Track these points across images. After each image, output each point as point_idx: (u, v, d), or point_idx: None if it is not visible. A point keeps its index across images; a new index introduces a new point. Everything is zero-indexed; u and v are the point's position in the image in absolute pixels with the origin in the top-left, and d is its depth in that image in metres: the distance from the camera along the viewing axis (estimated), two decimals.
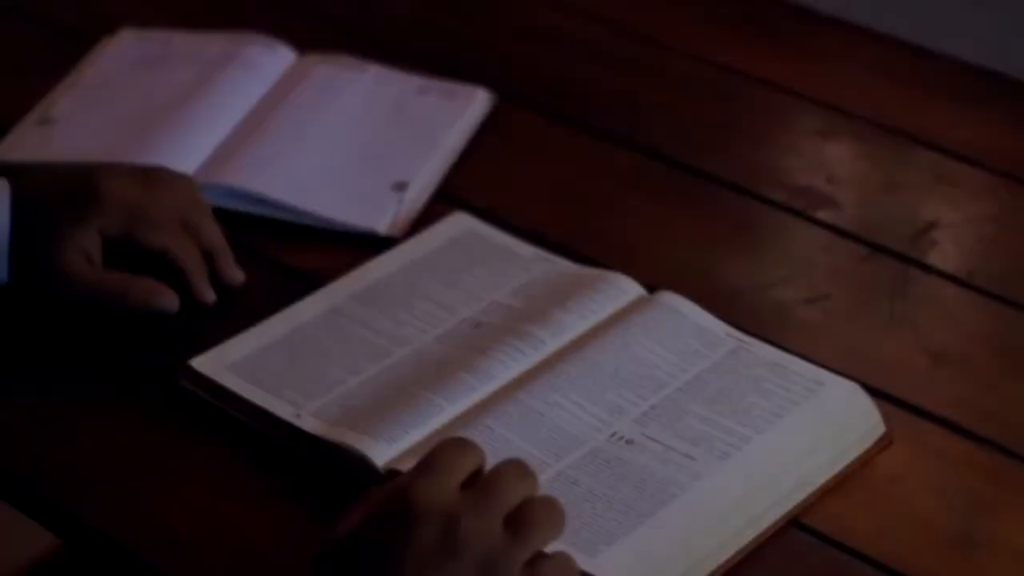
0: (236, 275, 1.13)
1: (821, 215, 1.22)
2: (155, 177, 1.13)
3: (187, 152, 1.24)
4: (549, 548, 0.85)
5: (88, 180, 1.10)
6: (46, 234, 1.08)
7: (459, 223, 1.18)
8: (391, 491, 0.84)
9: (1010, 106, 1.34)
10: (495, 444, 0.97)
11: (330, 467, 0.99)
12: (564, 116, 1.32)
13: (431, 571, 0.81)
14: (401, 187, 1.22)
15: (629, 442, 0.99)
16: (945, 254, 1.18)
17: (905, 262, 1.17)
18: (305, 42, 1.39)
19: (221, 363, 1.05)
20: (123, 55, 1.37)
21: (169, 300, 1.10)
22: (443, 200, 1.22)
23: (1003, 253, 1.19)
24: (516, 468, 0.87)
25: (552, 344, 1.06)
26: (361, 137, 1.28)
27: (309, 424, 1.00)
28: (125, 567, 0.95)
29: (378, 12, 1.45)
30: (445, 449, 0.86)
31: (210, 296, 1.11)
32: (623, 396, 1.02)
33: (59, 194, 1.10)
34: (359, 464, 0.97)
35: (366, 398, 1.02)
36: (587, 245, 1.18)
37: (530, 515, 0.85)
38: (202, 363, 1.05)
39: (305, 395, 1.03)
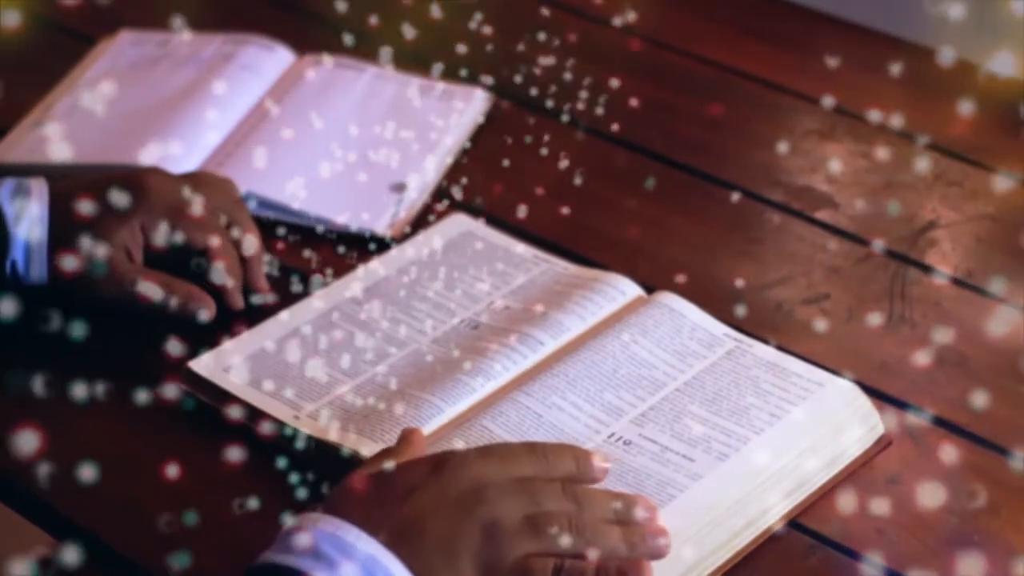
0: (264, 285, 1.13)
1: (820, 215, 1.22)
2: (198, 177, 1.13)
3: (185, 153, 1.24)
4: None
5: (132, 178, 1.10)
6: (87, 230, 1.08)
7: (458, 223, 1.18)
8: (442, 452, 0.89)
9: (1009, 107, 1.33)
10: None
11: (329, 469, 0.98)
12: (563, 116, 1.32)
13: (441, 514, 0.84)
14: (400, 188, 1.22)
15: (627, 443, 0.98)
16: (944, 254, 1.18)
17: (904, 262, 1.17)
18: (304, 42, 1.39)
19: (219, 365, 1.05)
20: (122, 55, 1.37)
21: (207, 307, 1.09)
22: (442, 200, 1.22)
23: (1002, 253, 1.19)
24: (564, 485, 0.89)
25: (551, 345, 1.06)
26: (360, 138, 1.28)
27: (308, 426, 1.00)
28: (122, 568, 0.95)
29: (377, 12, 1.45)
30: (511, 445, 0.91)
31: (239, 303, 1.11)
32: (621, 397, 1.02)
33: (101, 192, 1.09)
34: (358, 466, 0.97)
35: (365, 400, 1.02)
36: (586, 245, 1.18)
37: (552, 520, 0.86)
38: (201, 364, 1.05)
39: (304, 397, 1.03)
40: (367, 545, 0.83)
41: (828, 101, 1.34)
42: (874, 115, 1.32)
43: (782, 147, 1.31)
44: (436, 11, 1.44)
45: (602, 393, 1.02)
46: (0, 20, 1.18)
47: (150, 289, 1.08)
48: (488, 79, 1.34)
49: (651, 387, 1.02)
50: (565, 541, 0.86)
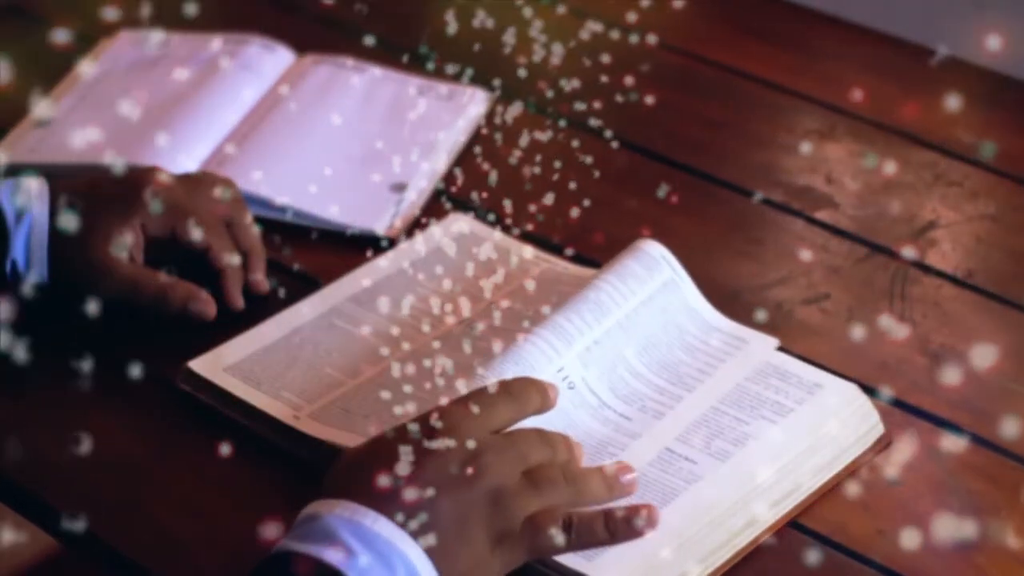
0: (263, 283, 1.13)
1: (820, 215, 1.22)
2: (198, 177, 1.14)
3: (186, 153, 1.24)
4: None
5: (132, 177, 1.10)
6: (87, 228, 1.08)
7: (458, 223, 1.18)
8: (430, 411, 0.90)
9: (1010, 106, 1.33)
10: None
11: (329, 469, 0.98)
12: (565, 116, 1.32)
13: (447, 491, 0.86)
14: (400, 188, 1.22)
15: (572, 387, 1.00)
16: (944, 254, 1.18)
17: (904, 262, 1.17)
18: (304, 42, 1.39)
19: (219, 365, 1.05)
20: (123, 55, 1.38)
21: (208, 306, 1.09)
22: (442, 200, 1.22)
23: (1002, 253, 1.19)
24: (540, 433, 0.92)
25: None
26: (360, 138, 1.28)
27: (308, 426, 1.00)
28: (121, 568, 0.95)
29: (378, 12, 1.45)
30: (486, 393, 0.92)
31: (240, 303, 1.11)
32: (571, 320, 1.03)
33: (102, 191, 1.09)
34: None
35: (365, 400, 1.02)
36: (587, 246, 1.18)
37: (549, 473, 0.90)
38: (200, 365, 1.05)
39: (304, 397, 1.03)
40: (384, 528, 0.85)
41: (828, 101, 1.34)
42: (874, 115, 1.32)
43: (782, 147, 1.31)
44: (438, 11, 1.44)
45: (555, 315, 1.03)
46: (55, 38, 1.19)
47: (151, 287, 1.08)
48: (490, 79, 1.34)
49: (598, 311, 1.03)
50: (563, 491, 0.90)
